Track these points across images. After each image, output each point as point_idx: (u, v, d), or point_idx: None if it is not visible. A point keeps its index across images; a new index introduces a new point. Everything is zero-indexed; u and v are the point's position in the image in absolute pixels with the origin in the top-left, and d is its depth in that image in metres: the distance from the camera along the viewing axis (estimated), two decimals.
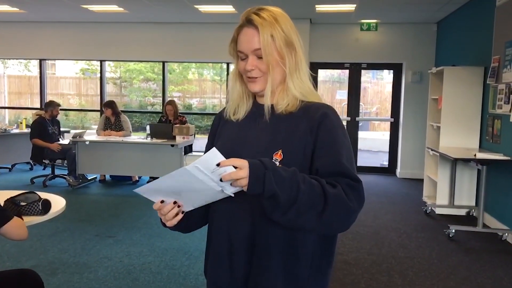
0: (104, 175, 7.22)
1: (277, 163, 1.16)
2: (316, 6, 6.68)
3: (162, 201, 1.18)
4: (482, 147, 5.42)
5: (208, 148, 1.38)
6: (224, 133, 1.35)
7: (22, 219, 2.30)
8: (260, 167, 1.06)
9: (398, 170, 8.21)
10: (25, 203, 2.36)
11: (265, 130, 1.26)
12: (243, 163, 1.05)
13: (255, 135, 1.26)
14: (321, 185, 1.11)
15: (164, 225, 1.26)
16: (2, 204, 2.22)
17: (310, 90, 1.28)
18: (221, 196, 1.14)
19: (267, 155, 1.18)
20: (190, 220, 1.28)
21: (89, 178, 7.06)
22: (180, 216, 1.21)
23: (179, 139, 6.62)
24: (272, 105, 1.27)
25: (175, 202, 1.18)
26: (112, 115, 7.22)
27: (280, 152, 1.19)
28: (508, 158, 4.52)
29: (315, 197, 1.09)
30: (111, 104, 7.25)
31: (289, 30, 1.23)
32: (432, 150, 5.82)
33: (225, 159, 1.04)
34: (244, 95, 1.32)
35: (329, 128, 1.21)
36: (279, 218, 1.11)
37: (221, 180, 1.06)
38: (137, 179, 7.19)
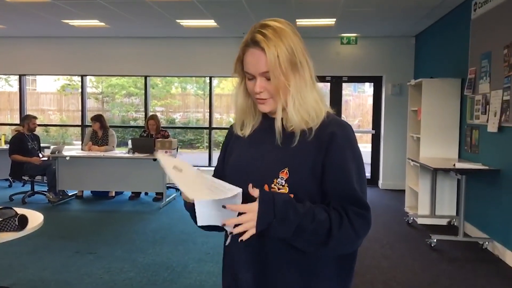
0: (82, 191, 7.12)
1: (283, 181, 1.18)
2: (297, 20, 6.77)
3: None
4: (461, 157, 5.51)
5: (220, 160, 1.41)
6: (235, 149, 1.35)
7: None
8: (269, 213, 1.09)
9: (380, 182, 8.28)
10: (1, 219, 2.32)
11: (274, 147, 1.24)
12: (251, 207, 1.09)
13: (263, 152, 1.25)
14: (330, 222, 1.13)
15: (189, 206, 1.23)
16: None
17: (314, 110, 1.22)
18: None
19: (273, 173, 1.19)
20: None
21: (69, 194, 6.96)
22: None
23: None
24: (282, 122, 1.25)
25: None
26: (100, 129, 7.16)
27: (286, 170, 1.18)
28: (487, 167, 4.60)
29: (317, 236, 1.13)
30: (99, 118, 7.18)
31: (294, 47, 1.18)
32: (412, 161, 5.89)
33: (239, 204, 1.08)
34: (250, 110, 1.30)
35: (337, 149, 1.18)
36: (280, 238, 1.14)
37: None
38: (113, 195, 7.09)
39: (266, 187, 1.18)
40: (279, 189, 1.18)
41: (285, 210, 1.10)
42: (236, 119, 1.33)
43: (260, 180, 1.20)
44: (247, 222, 1.08)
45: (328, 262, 1.22)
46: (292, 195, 1.16)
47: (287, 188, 1.18)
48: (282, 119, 1.23)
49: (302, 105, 1.20)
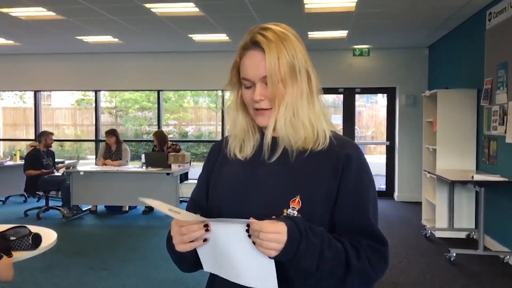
0: (96, 206, 7.13)
1: (295, 212, 1.01)
2: (309, 33, 6.76)
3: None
4: (479, 169, 5.40)
5: (202, 179, 1.21)
6: (225, 170, 1.14)
7: (12, 254, 2.24)
8: (296, 233, 0.92)
9: (396, 194, 8.16)
10: (15, 238, 2.31)
11: (279, 169, 1.06)
12: (281, 228, 0.91)
13: (267, 176, 1.06)
14: (345, 251, 0.99)
15: (171, 249, 1.04)
16: None
17: (312, 126, 1.06)
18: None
19: (282, 202, 1.02)
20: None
21: (83, 209, 6.97)
22: (198, 244, 0.99)
23: (174, 167, 6.57)
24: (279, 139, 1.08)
25: (205, 225, 0.97)
26: (115, 143, 7.21)
27: (298, 199, 1.01)
28: (506, 179, 4.49)
29: (338, 266, 0.98)
30: (114, 132, 7.26)
31: (295, 53, 1.06)
32: (429, 173, 5.79)
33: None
34: (249, 128, 1.12)
35: (355, 175, 1.04)
36: (296, 280, 1.00)
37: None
38: (127, 209, 7.08)
39: None
40: None
41: (306, 229, 0.94)
42: (235, 140, 1.12)
43: (265, 211, 1.00)
44: (270, 242, 0.90)
45: None
46: None
47: None
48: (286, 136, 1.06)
49: (296, 117, 1.04)
